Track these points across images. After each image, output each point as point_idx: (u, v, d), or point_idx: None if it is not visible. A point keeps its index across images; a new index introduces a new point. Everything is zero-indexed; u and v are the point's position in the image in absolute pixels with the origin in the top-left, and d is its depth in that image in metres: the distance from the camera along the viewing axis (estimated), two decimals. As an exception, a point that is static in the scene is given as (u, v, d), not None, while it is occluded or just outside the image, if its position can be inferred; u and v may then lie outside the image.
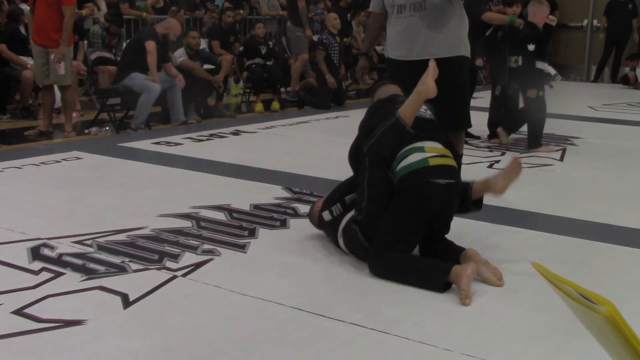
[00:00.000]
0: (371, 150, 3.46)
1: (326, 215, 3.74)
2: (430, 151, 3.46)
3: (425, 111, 3.67)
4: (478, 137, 7.16)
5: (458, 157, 4.91)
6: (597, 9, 13.88)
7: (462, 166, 5.08)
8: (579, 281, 1.27)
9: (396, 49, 4.69)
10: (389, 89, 3.99)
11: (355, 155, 3.72)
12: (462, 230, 4.08)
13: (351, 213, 3.61)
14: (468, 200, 3.61)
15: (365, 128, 3.71)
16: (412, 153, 3.43)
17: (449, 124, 4.79)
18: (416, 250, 3.59)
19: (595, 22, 14.16)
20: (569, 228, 4.28)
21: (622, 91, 12.03)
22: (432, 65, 3.63)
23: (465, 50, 4.56)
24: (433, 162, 3.42)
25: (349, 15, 11.97)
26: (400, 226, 3.41)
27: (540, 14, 6.65)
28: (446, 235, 3.63)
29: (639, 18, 13.24)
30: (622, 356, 1.21)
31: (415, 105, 3.50)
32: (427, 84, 3.52)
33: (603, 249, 3.93)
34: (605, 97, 11.18)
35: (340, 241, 3.65)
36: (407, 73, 4.66)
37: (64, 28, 7.03)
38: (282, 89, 10.46)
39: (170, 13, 9.65)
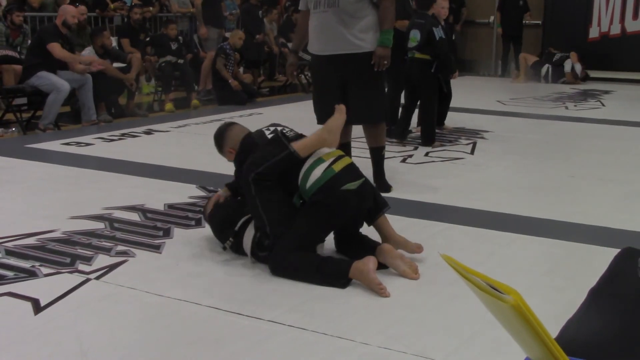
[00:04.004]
0: (259, 178, 3.38)
1: (224, 249, 3.67)
2: (328, 158, 3.49)
3: (290, 131, 3.71)
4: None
5: (380, 148, 5.02)
6: (504, 6, 14.24)
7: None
8: (489, 271, 1.31)
9: (313, 44, 4.86)
10: (237, 130, 3.84)
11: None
12: (376, 224, 4.14)
13: (249, 232, 3.56)
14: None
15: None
16: (315, 167, 3.44)
17: (365, 117, 4.90)
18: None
19: (492, 18, 14.52)
20: (479, 219, 4.38)
21: (528, 86, 12.38)
22: (338, 112, 3.63)
23: (375, 46, 4.68)
24: (337, 167, 3.46)
25: (260, 12, 11.96)
26: (307, 234, 3.42)
27: (436, 6, 6.87)
28: (360, 230, 3.68)
29: (531, 13, 13.62)
30: (528, 343, 1.25)
31: (314, 147, 3.47)
32: (336, 135, 3.52)
33: (512, 239, 4.04)
34: (513, 91, 11.49)
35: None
36: (323, 67, 4.81)
37: None
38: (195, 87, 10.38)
39: None
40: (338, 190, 3.38)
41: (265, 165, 3.40)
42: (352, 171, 3.52)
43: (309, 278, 3.30)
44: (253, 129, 3.82)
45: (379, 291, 3.17)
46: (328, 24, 4.67)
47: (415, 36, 6.60)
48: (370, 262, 3.25)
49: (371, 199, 3.58)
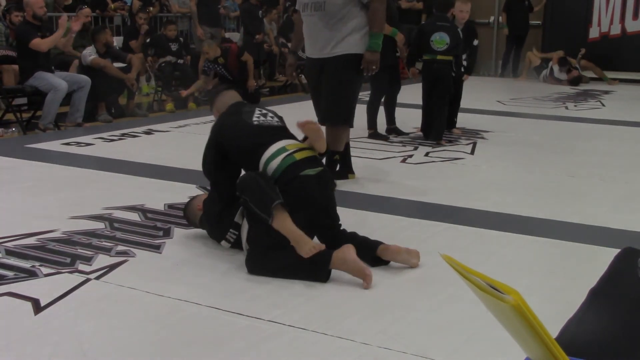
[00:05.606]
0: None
1: (225, 245, 3.69)
2: (292, 148, 3.54)
3: (272, 118, 3.76)
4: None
5: (332, 152, 4.93)
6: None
7: (377, 161, 5.18)
8: (489, 271, 1.31)
9: (306, 47, 4.88)
10: (229, 96, 3.98)
11: (210, 168, 3.80)
12: (376, 224, 4.14)
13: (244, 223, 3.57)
14: None
15: (214, 145, 3.73)
16: (277, 156, 3.48)
17: (327, 117, 4.90)
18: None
19: (500, 18, 14.53)
20: (480, 219, 4.38)
21: (527, 85, 12.38)
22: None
23: (356, 48, 4.69)
24: (299, 156, 3.50)
25: (260, 12, 11.97)
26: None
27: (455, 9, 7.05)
28: (359, 232, 3.66)
29: (535, 13, 13.64)
30: (528, 343, 1.25)
31: (289, 235, 3.29)
32: (308, 250, 3.27)
33: (512, 239, 4.04)
34: (512, 91, 11.49)
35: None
36: (313, 69, 4.87)
37: None
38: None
39: None
40: (297, 176, 3.41)
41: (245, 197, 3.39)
42: (313, 161, 3.54)
43: (290, 274, 3.30)
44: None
45: (365, 276, 3.19)
46: (315, 27, 4.71)
47: (443, 39, 6.68)
48: (350, 249, 3.25)
49: (333, 187, 3.59)
